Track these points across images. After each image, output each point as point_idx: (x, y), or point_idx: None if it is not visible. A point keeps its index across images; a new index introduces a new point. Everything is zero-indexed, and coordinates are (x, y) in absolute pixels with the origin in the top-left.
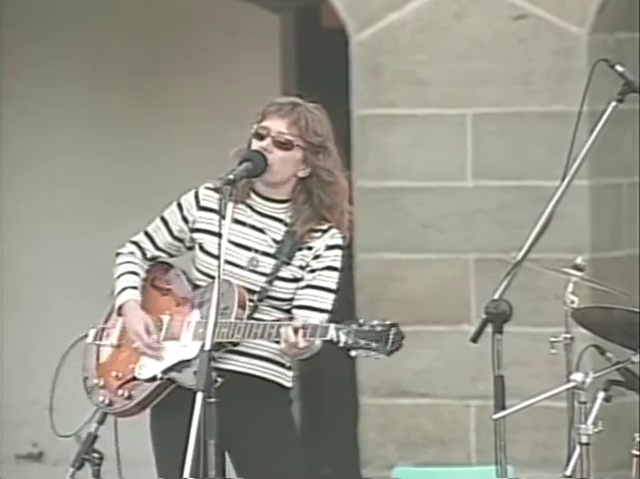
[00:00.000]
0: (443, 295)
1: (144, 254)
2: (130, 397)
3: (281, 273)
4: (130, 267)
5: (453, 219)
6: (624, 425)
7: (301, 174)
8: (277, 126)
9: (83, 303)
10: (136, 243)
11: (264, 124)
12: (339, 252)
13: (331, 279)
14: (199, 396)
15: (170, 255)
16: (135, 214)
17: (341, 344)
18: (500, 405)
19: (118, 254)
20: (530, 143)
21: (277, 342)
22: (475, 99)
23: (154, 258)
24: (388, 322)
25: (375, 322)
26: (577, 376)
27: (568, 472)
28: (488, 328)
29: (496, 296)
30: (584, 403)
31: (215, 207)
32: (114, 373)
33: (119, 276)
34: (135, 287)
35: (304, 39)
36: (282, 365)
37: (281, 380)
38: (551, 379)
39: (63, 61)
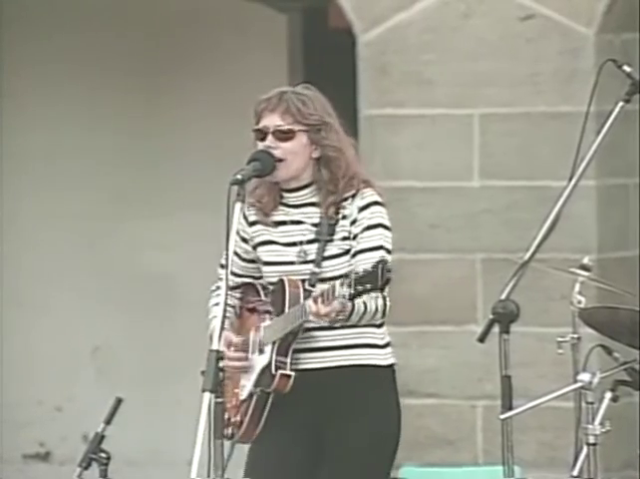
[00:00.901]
0: (449, 296)
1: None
2: (242, 422)
3: (327, 252)
4: (216, 300)
5: (459, 219)
6: (631, 425)
7: (315, 154)
8: (272, 120)
9: (92, 303)
10: (219, 277)
11: (261, 124)
12: (374, 209)
13: (374, 237)
14: (206, 396)
15: (254, 278)
16: (138, 214)
17: (347, 298)
18: (507, 405)
19: (211, 292)
20: (537, 143)
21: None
22: (482, 99)
23: (240, 285)
24: (376, 261)
25: (368, 266)
26: (584, 376)
27: (575, 472)
28: (495, 328)
29: (503, 297)
30: (591, 403)
31: (258, 218)
32: (229, 404)
33: (209, 310)
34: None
35: (311, 39)
36: (374, 346)
37: (376, 361)
38: (558, 379)
39: (68, 60)
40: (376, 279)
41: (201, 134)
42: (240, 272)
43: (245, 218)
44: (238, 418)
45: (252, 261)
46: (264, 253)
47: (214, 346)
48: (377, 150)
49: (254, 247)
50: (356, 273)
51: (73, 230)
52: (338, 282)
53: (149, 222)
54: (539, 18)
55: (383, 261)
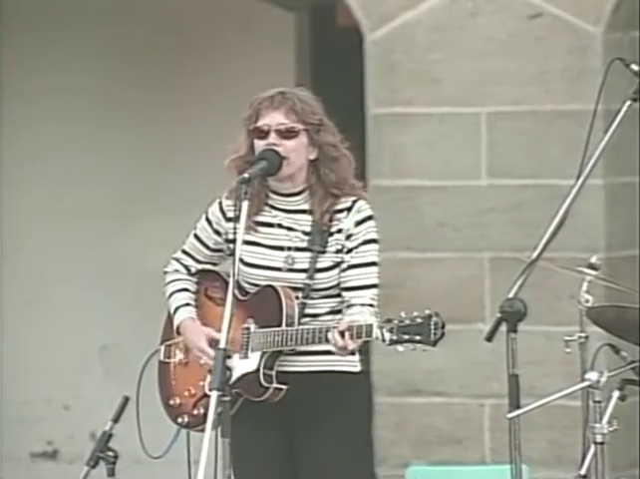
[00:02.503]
0: (457, 294)
1: (188, 271)
2: (205, 416)
3: (319, 264)
4: (179, 285)
5: (467, 217)
6: (638, 424)
7: (311, 156)
8: (275, 118)
9: (100, 302)
10: (178, 261)
11: (261, 122)
12: (369, 224)
13: (369, 253)
14: (214, 395)
15: (214, 264)
16: (147, 212)
17: (387, 342)
18: (515, 404)
19: (165, 273)
20: (545, 141)
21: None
22: (490, 97)
23: (199, 271)
24: (427, 313)
25: (415, 314)
26: (592, 375)
27: (583, 471)
28: (503, 327)
29: (511, 295)
30: (599, 402)
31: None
32: (186, 392)
33: (169, 296)
34: (188, 304)
35: (319, 37)
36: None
37: (348, 368)
38: (566, 378)
39: (76, 57)
40: (428, 335)
41: (208, 132)
42: (204, 260)
43: (223, 212)
44: (201, 411)
45: (219, 251)
46: (245, 253)
47: (222, 345)
48: (385, 148)
49: (227, 241)
50: (400, 321)
51: (81, 228)
52: (376, 325)
53: (157, 220)
54: (547, 16)
55: (436, 315)
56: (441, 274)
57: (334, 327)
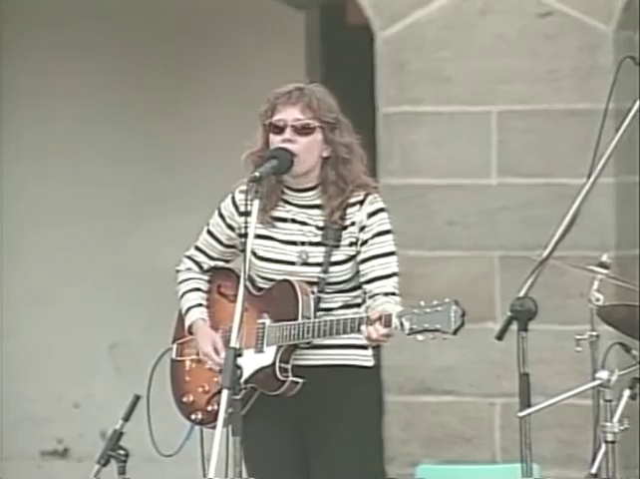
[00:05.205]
0: (468, 293)
1: (200, 268)
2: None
3: (334, 258)
4: (191, 285)
5: (478, 216)
6: None
7: (325, 154)
8: (292, 114)
9: (110, 300)
10: (190, 258)
11: (277, 117)
12: (382, 215)
13: (385, 243)
14: (225, 393)
15: (227, 261)
16: (156, 211)
17: (406, 332)
18: (526, 403)
19: (177, 272)
20: (556, 140)
21: (358, 331)
22: (500, 96)
23: (212, 268)
24: (447, 301)
25: (434, 303)
26: (603, 374)
27: (594, 470)
28: (514, 326)
29: (522, 294)
30: (610, 401)
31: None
32: (200, 389)
33: (182, 296)
34: (200, 304)
35: (329, 36)
36: (359, 347)
37: (362, 362)
38: (577, 377)
39: (86, 56)
40: (448, 323)
41: (219, 131)
42: (217, 257)
43: (236, 206)
44: (215, 407)
45: (231, 247)
46: (259, 248)
47: (232, 344)
48: (395, 147)
49: (240, 236)
50: (420, 309)
51: (91, 227)
52: (395, 314)
53: (166, 219)
54: (558, 15)
55: (456, 303)
56: (451, 273)
57: (356, 318)
